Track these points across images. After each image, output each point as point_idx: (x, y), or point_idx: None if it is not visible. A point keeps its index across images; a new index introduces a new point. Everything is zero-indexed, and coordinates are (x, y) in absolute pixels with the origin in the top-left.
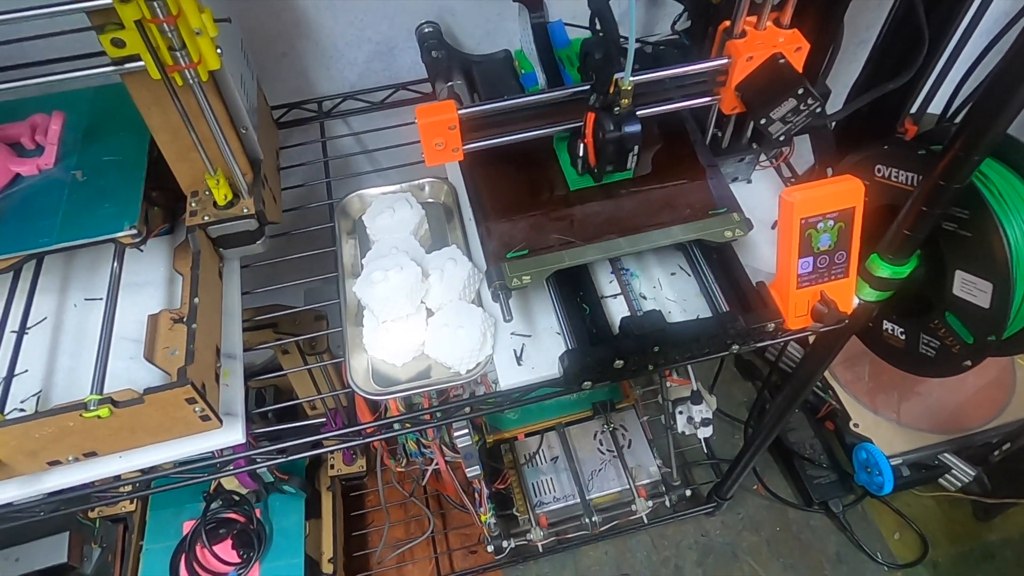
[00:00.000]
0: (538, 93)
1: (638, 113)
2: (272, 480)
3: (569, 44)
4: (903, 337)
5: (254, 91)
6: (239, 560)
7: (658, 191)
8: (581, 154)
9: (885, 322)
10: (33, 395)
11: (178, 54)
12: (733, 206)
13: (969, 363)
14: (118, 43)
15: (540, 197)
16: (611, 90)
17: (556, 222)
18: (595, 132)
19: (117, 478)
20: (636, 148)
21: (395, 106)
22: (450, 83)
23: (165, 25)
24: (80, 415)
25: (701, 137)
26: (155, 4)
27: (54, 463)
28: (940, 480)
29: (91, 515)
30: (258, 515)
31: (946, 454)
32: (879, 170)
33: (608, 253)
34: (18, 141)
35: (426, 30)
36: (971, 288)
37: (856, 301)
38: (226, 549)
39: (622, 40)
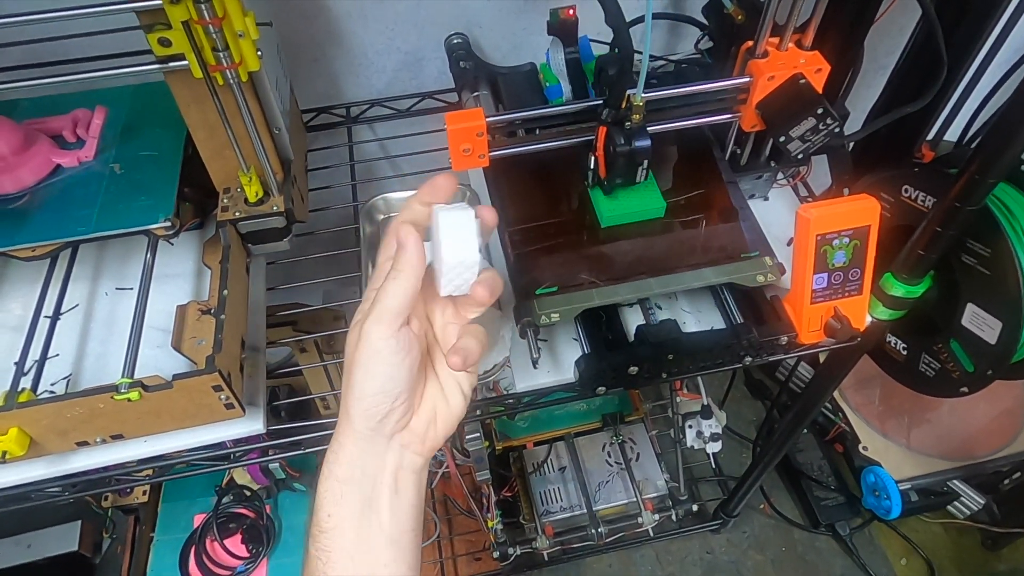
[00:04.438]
0: (564, 104)
1: (660, 127)
2: (283, 477)
3: (594, 59)
4: (904, 352)
5: (287, 94)
6: (247, 555)
7: (690, 232)
8: (592, 166)
9: (889, 335)
10: (63, 378)
11: (221, 55)
12: (766, 250)
13: (966, 390)
14: (164, 42)
15: (570, 233)
16: (623, 105)
17: (586, 259)
18: (606, 146)
19: (141, 462)
20: (646, 162)
21: (420, 114)
22: (476, 93)
23: (211, 26)
24: (111, 397)
25: (734, 177)
26: (202, 6)
27: (82, 443)
28: (949, 507)
29: (104, 504)
30: (268, 511)
31: (955, 481)
32: (906, 191)
33: (638, 293)
34: (60, 134)
35: (455, 41)
36: (980, 322)
37: (868, 319)
38: (235, 543)
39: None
